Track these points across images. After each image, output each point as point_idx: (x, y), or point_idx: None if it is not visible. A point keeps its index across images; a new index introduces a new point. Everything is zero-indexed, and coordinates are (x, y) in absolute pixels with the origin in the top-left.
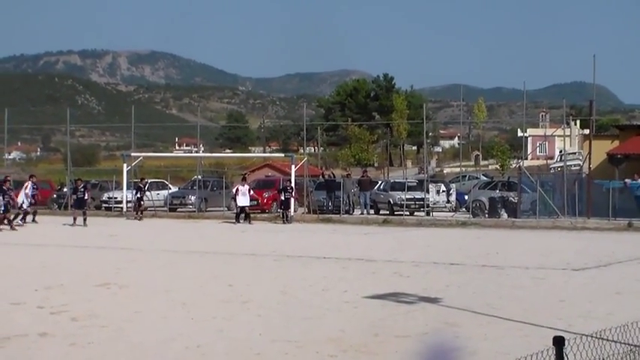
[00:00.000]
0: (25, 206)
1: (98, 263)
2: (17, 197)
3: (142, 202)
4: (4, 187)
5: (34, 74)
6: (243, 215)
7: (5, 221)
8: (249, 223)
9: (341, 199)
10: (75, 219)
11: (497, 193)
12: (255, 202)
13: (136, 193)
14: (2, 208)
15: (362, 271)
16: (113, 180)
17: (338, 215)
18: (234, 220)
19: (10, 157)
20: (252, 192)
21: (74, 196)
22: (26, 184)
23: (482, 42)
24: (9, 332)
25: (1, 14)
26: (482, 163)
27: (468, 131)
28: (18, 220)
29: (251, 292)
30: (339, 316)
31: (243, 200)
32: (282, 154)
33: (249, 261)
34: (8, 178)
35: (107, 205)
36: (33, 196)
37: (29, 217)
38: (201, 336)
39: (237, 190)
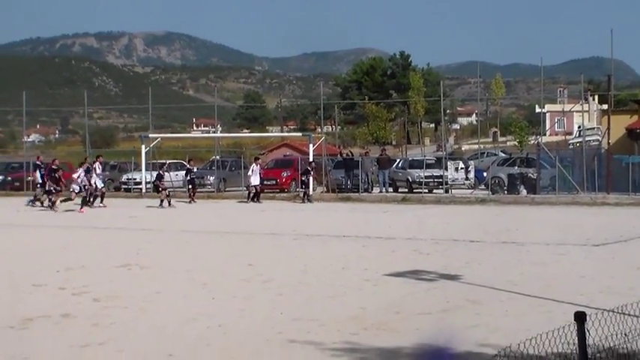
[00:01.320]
0: (99, 187)
1: (119, 244)
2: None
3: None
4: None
5: (50, 57)
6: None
7: (48, 202)
8: (258, 202)
9: (359, 178)
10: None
11: (515, 170)
12: (274, 182)
13: (157, 178)
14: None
15: (382, 249)
16: (132, 161)
17: (357, 194)
18: (246, 200)
19: (29, 139)
20: (260, 172)
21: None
22: (95, 164)
23: (499, 18)
24: (32, 313)
25: None
26: (500, 139)
27: (485, 108)
28: (98, 203)
29: (271, 271)
30: (360, 294)
31: (254, 179)
32: (300, 134)
33: (269, 240)
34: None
35: (126, 187)
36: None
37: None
38: (223, 315)
39: (252, 170)
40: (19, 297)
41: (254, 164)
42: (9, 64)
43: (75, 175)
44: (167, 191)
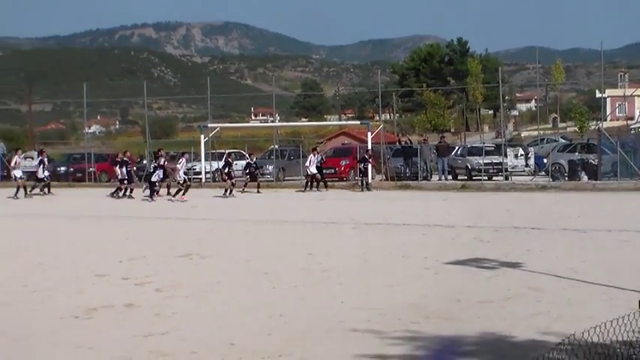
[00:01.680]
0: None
1: (180, 234)
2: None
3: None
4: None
5: (110, 48)
6: (315, 183)
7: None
8: (318, 190)
9: (418, 166)
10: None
11: (576, 156)
12: (333, 171)
13: (225, 167)
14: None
15: (442, 237)
16: (191, 151)
17: (415, 181)
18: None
19: (89, 130)
20: (318, 161)
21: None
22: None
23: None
24: (96, 303)
25: None
26: (560, 125)
27: (544, 94)
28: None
29: (331, 260)
30: (420, 282)
31: (311, 169)
32: (358, 122)
33: (329, 229)
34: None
35: (187, 177)
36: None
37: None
38: (284, 305)
39: (310, 160)
40: (82, 287)
41: (311, 154)
42: (70, 55)
43: (178, 165)
44: (233, 180)
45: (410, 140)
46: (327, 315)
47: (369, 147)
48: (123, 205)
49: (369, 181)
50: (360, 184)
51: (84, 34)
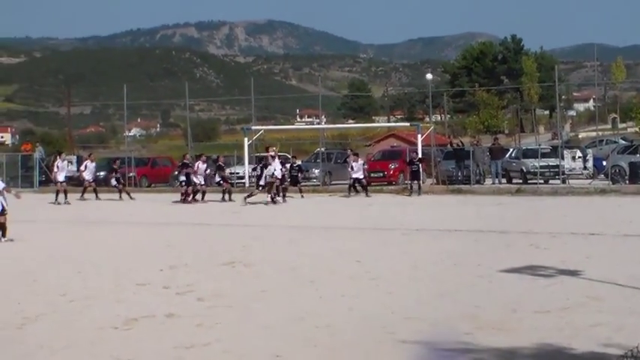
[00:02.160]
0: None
1: (222, 241)
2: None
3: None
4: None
5: (151, 48)
6: (360, 188)
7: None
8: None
9: (470, 169)
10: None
11: (638, 158)
12: (382, 174)
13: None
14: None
15: (495, 243)
16: (234, 155)
17: (468, 185)
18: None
19: (130, 134)
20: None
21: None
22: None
23: None
24: (136, 313)
25: None
26: (620, 126)
27: (603, 93)
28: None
29: (380, 268)
30: (473, 291)
31: (353, 173)
32: (408, 124)
33: (377, 235)
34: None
35: (230, 181)
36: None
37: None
38: (331, 315)
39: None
40: (122, 296)
41: (352, 159)
42: (110, 56)
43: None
44: (225, 187)
45: (462, 142)
46: (377, 326)
47: (419, 149)
48: (163, 211)
49: (420, 185)
50: (409, 187)
51: (124, 34)
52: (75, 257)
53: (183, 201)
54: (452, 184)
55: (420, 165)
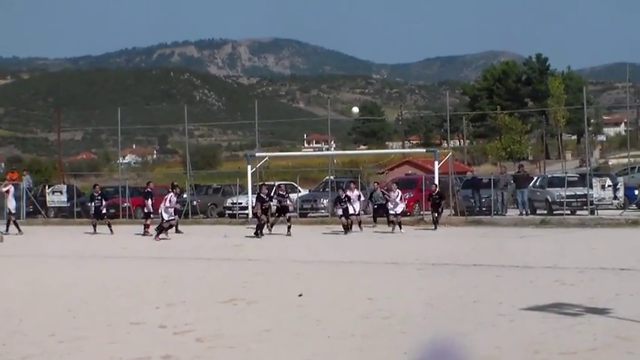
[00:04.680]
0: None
1: (223, 277)
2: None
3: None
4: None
5: (147, 69)
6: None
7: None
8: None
9: (491, 198)
10: (94, 227)
11: None
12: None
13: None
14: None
15: (518, 279)
16: (237, 183)
17: (489, 217)
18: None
19: (124, 161)
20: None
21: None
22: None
23: None
24: (130, 354)
25: (111, 5)
26: None
27: (636, 116)
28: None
29: (393, 305)
30: (494, 331)
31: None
32: (424, 149)
33: (390, 271)
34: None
35: (231, 212)
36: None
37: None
38: (339, 356)
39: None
40: (115, 337)
41: (350, 190)
42: (103, 77)
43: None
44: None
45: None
46: None
47: (435, 176)
48: (159, 245)
49: (436, 218)
50: (433, 220)
51: (118, 54)
52: (64, 294)
53: (145, 233)
54: (471, 214)
55: (440, 198)
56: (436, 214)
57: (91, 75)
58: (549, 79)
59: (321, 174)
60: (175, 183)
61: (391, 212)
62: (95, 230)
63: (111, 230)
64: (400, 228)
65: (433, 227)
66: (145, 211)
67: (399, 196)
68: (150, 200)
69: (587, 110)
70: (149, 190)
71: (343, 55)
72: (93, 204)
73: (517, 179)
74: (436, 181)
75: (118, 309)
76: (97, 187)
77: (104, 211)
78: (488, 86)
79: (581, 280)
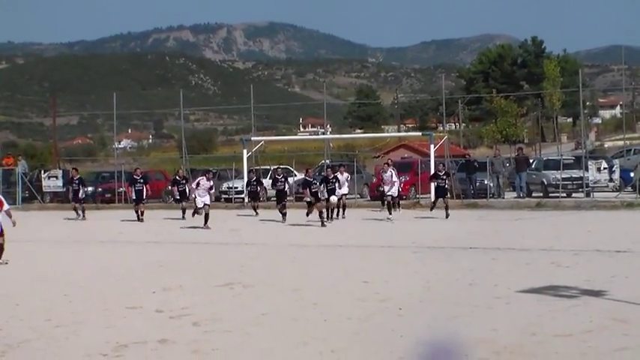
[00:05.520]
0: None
1: (219, 261)
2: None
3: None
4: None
5: (142, 54)
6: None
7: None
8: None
9: (487, 182)
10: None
11: None
12: None
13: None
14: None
15: (514, 261)
16: (232, 168)
17: (485, 200)
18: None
19: (120, 146)
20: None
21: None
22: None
23: None
24: (126, 339)
25: None
26: None
27: (631, 98)
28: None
29: (389, 289)
30: (490, 313)
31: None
32: (420, 133)
33: (386, 254)
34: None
35: (227, 197)
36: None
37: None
38: (336, 339)
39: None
40: (112, 321)
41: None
42: (98, 62)
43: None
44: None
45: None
46: (385, 351)
47: (431, 160)
48: (155, 230)
49: (448, 204)
50: (431, 206)
51: (113, 39)
52: (60, 279)
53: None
54: (467, 198)
55: (447, 180)
56: (441, 199)
57: (87, 60)
58: (545, 62)
59: (316, 158)
60: (212, 170)
61: (388, 194)
62: (79, 214)
63: (83, 215)
64: (399, 207)
65: (430, 211)
66: (177, 197)
67: (393, 175)
68: (176, 187)
69: (583, 93)
70: (177, 178)
71: (339, 39)
72: (71, 187)
73: (516, 162)
74: (445, 164)
75: (114, 293)
76: (75, 171)
77: (82, 196)
78: (484, 69)
79: (577, 263)
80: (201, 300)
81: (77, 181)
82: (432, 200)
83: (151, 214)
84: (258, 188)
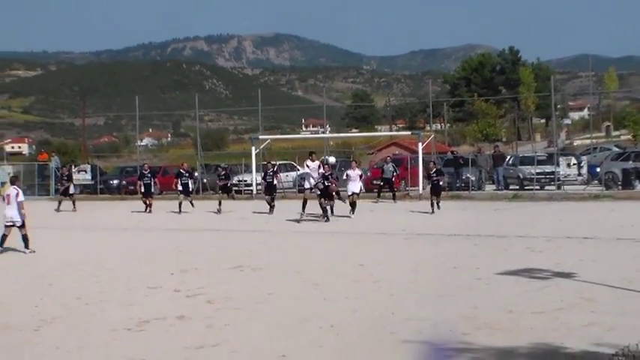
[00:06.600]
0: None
1: (231, 246)
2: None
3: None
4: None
5: (162, 61)
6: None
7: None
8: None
9: (469, 177)
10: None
11: (630, 164)
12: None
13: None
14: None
15: (493, 247)
16: (242, 163)
17: (467, 192)
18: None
19: (142, 143)
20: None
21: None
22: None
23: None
24: (148, 315)
25: (130, 4)
26: (613, 134)
27: (598, 102)
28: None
29: (382, 271)
30: (472, 293)
31: (353, 186)
32: (409, 132)
33: (380, 240)
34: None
35: (237, 189)
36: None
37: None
38: (335, 316)
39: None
40: (135, 300)
41: (350, 170)
42: (122, 69)
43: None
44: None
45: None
46: (379, 326)
47: (419, 156)
48: (173, 218)
49: (439, 202)
50: (431, 205)
51: (136, 48)
52: (88, 262)
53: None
54: (451, 190)
55: (440, 179)
56: (435, 198)
57: (112, 67)
58: (521, 69)
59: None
60: (324, 158)
61: (350, 193)
62: (59, 208)
63: (74, 206)
64: (394, 199)
65: (431, 211)
66: (180, 189)
67: (357, 173)
68: (179, 180)
69: (555, 97)
70: (181, 171)
71: (337, 49)
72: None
73: (493, 158)
74: (420, 160)
75: (136, 275)
76: (66, 167)
77: (72, 190)
78: (467, 76)
79: (549, 248)
80: (214, 281)
81: (66, 177)
82: (430, 203)
83: (169, 204)
84: (274, 180)
